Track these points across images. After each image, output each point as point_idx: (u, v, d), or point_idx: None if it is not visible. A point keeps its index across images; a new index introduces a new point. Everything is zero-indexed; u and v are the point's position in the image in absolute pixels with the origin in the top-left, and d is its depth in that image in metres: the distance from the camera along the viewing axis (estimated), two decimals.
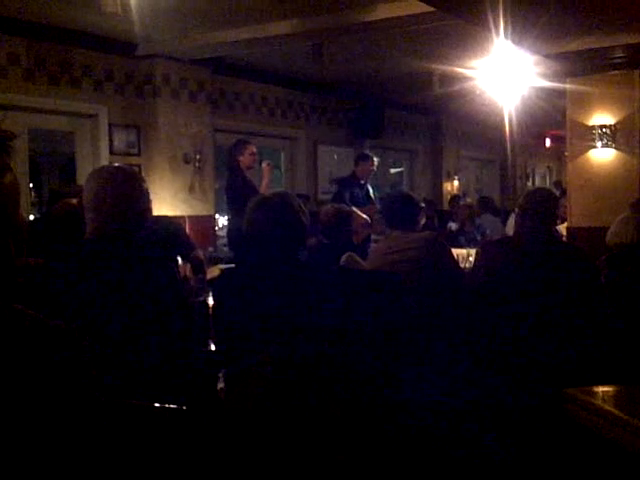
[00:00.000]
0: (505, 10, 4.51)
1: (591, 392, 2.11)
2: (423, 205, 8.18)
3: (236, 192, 5.75)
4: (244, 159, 5.81)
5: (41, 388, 0.97)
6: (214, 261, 5.31)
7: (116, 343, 2.11)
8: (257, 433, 2.01)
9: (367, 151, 7.87)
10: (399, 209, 3.83)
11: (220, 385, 2.33)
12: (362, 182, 6.82)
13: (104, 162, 6.11)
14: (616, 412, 1.95)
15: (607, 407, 2.01)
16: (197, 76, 6.84)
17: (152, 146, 6.58)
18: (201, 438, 1.63)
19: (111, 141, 6.34)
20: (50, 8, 5.31)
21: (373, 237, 5.66)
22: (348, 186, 6.79)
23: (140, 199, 2.29)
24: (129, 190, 2.26)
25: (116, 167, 2.49)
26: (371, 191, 6.94)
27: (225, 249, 7.04)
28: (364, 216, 4.77)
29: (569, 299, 3.05)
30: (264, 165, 5.99)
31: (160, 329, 2.18)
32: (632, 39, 5.82)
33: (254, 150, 5.92)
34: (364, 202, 6.52)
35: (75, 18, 5.57)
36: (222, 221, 7.78)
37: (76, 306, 2.10)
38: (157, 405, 1.62)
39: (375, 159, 6.98)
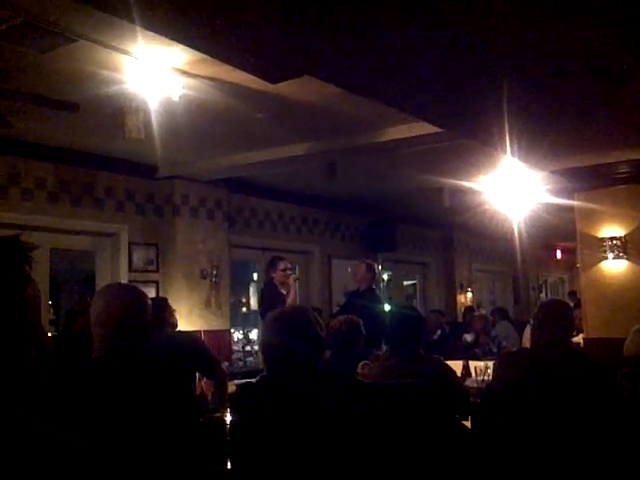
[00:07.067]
0: (511, 130, 4.64)
1: None
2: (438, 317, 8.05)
3: (266, 306, 5.84)
4: (277, 275, 5.99)
5: None
6: (230, 376, 5.29)
7: (125, 462, 2.10)
8: None
9: (379, 264, 7.86)
10: (401, 329, 3.50)
11: None
12: (359, 290, 6.57)
13: (123, 279, 6.21)
14: None
15: None
16: (215, 195, 7.04)
17: (170, 262, 6.71)
18: None
19: (130, 259, 6.46)
20: (76, 135, 5.55)
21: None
22: (350, 298, 6.76)
23: (144, 313, 2.39)
24: (135, 305, 2.36)
25: (122, 285, 2.66)
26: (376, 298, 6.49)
27: (241, 364, 7.02)
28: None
29: (589, 415, 3.00)
30: (290, 279, 6.12)
31: (168, 447, 2.17)
32: (636, 155, 5.97)
33: (286, 266, 6.05)
34: (364, 310, 5.73)
35: (99, 144, 5.82)
36: (237, 335, 7.79)
37: (83, 426, 2.11)
38: None
39: (366, 264, 6.77)
